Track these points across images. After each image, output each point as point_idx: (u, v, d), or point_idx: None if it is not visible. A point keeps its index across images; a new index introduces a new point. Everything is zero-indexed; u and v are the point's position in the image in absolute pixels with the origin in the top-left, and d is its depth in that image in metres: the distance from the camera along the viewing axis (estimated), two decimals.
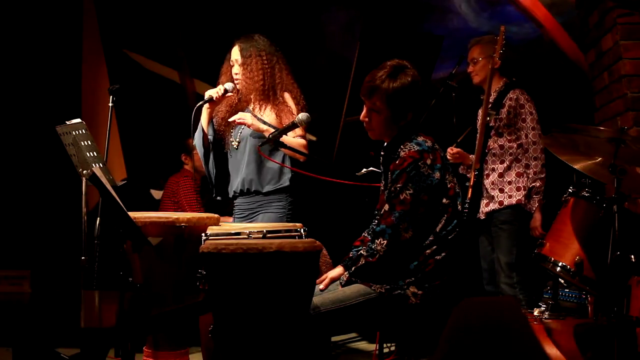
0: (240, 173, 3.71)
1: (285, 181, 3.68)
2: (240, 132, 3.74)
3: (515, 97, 4.03)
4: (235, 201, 3.80)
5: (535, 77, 4.85)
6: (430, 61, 4.76)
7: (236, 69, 3.73)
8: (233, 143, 3.75)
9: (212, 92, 3.70)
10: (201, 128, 3.76)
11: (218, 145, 3.83)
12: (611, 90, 4.08)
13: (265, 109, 3.71)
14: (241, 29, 3.89)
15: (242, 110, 3.73)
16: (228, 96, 3.76)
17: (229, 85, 3.72)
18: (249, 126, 3.63)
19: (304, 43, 5.75)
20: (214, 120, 3.82)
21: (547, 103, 4.17)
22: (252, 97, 3.71)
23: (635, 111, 3.87)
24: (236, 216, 3.80)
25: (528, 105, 4.02)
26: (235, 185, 3.74)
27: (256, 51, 3.69)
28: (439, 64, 4.82)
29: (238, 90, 3.77)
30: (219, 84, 3.78)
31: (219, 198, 3.89)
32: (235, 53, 3.74)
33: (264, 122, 3.65)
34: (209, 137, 3.78)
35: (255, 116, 3.68)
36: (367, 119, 2.93)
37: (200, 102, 3.73)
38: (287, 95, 3.71)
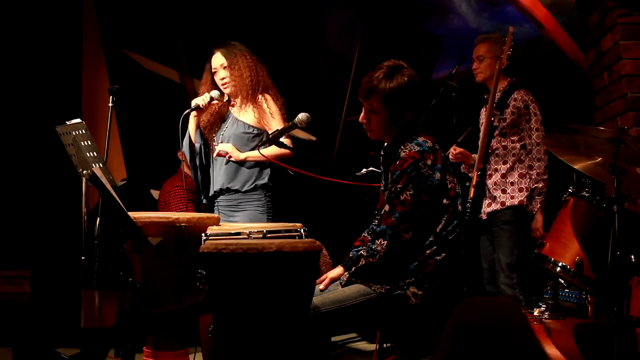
0: (221, 173, 3.87)
1: (264, 180, 3.84)
2: (222, 134, 3.90)
3: (520, 97, 4.01)
4: (216, 199, 3.94)
5: (535, 77, 4.84)
6: (430, 61, 4.76)
7: (222, 74, 3.88)
8: (217, 147, 3.89)
9: (199, 101, 3.87)
10: (188, 135, 3.93)
11: (206, 152, 3.99)
12: (611, 90, 4.07)
13: (247, 108, 3.86)
14: (241, 28, 3.92)
15: (225, 117, 3.92)
16: (213, 103, 3.91)
17: (214, 93, 3.87)
18: (229, 157, 3.81)
19: (304, 43, 5.75)
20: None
21: (547, 103, 4.17)
22: (241, 94, 3.85)
23: (635, 111, 3.87)
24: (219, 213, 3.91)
25: (533, 106, 4.00)
26: (216, 185, 3.90)
27: (239, 52, 3.87)
28: (439, 64, 4.81)
29: (224, 96, 3.91)
30: (199, 95, 3.93)
31: (205, 201, 4.03)
32: (218, 59, 3.88)
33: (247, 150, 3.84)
34: (196, 144, 3.94)
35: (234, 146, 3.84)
36: (365, 121, 2.93)
37: (187, 111, 3.88)
38: (267, 96, 3.88)
